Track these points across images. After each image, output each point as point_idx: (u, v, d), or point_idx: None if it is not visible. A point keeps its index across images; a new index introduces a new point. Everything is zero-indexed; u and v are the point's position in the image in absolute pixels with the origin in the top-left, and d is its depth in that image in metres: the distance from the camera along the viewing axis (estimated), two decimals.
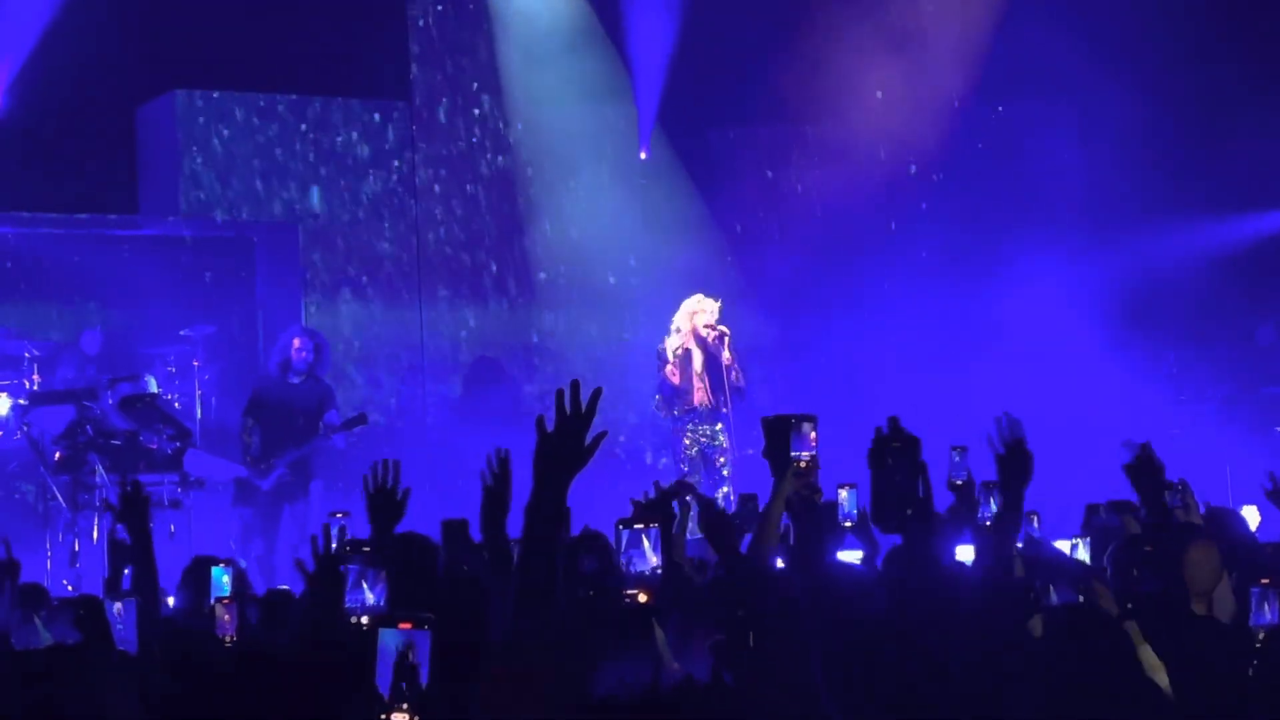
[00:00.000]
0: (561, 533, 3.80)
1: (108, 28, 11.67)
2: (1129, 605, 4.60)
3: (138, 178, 12.56)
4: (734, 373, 11.49)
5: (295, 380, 10.54)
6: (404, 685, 3.46)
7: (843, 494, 6.03)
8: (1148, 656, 4.54)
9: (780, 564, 6.43)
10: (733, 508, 10.61)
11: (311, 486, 10.71)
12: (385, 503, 5.05)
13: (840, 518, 6.03)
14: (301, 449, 10.48)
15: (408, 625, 3.49)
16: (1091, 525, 6.30)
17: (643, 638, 4.33)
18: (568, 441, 3.77)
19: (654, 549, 3.79)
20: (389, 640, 3.50)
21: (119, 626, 4.74)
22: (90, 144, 11.98)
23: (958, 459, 6.46)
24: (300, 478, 10.51)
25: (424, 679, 3.45)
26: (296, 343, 10.56)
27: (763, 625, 4.33)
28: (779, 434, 5.13)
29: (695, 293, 11.85)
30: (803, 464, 5.10)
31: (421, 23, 13.00)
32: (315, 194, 12.66)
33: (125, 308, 12.04)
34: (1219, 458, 12.36)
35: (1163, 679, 4.46)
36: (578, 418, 3.79)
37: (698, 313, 11.55)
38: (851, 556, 6.20)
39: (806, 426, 5.14)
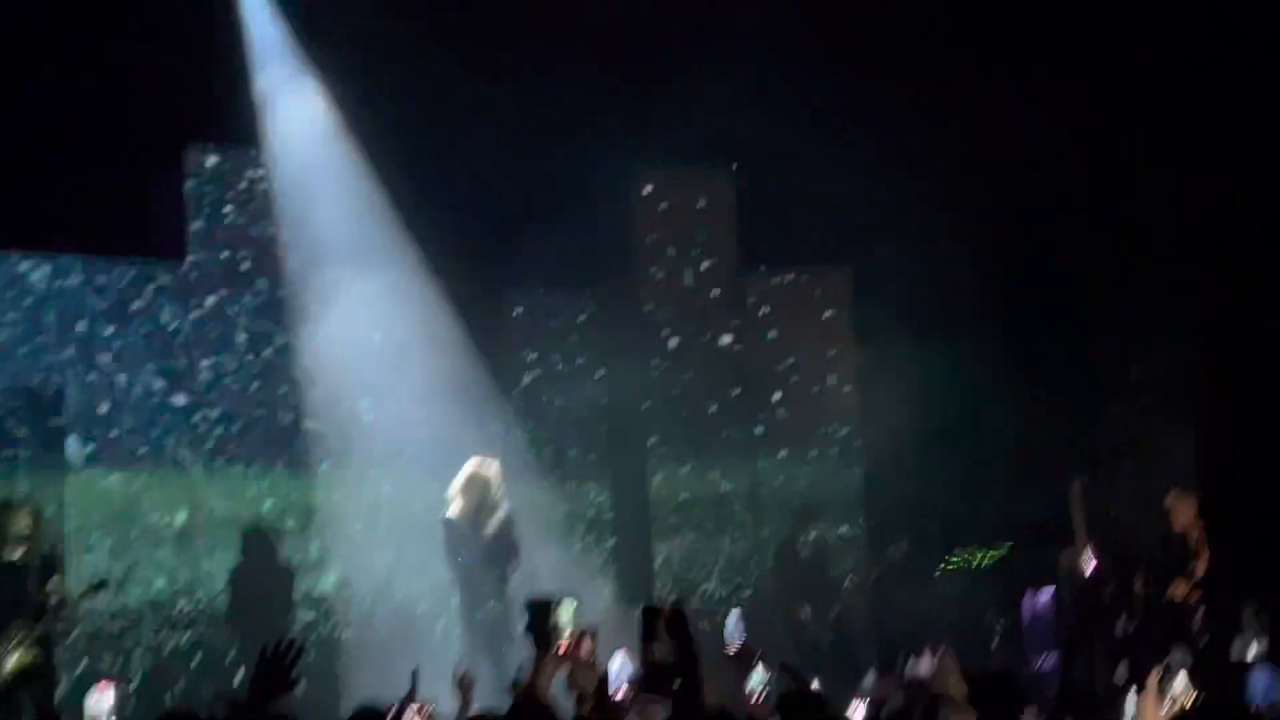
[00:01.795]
0: None
1: None
2: None
3: None
4: (507, 543, 11.51)
5: (13, 556, 10.15)
6: None
7: (614, 664, 6.05)
8: None
9: None
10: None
11: (53, 666, 10.31)
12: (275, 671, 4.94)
13: (612, 684, 6.04)
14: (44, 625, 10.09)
15: None
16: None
17: None
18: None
19: None
20: None
21: None
22: None
23: (733, 624, 6.52)
24: (34, 655, 10.05)
25: None
26: (10, 517, 10.15)
27: None
28: (540, 615, 5.22)
29: (485, 460, 11.84)
30: (562, 646, 5.18)
31: (195, 182, 12.83)
32: (82, 357, 12.26)
33: None
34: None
35: None
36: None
37: (473, 481, 11.55)
38: None
39: (567, 607, 5.23)
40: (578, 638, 5.71)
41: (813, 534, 12.69)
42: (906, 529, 13.49)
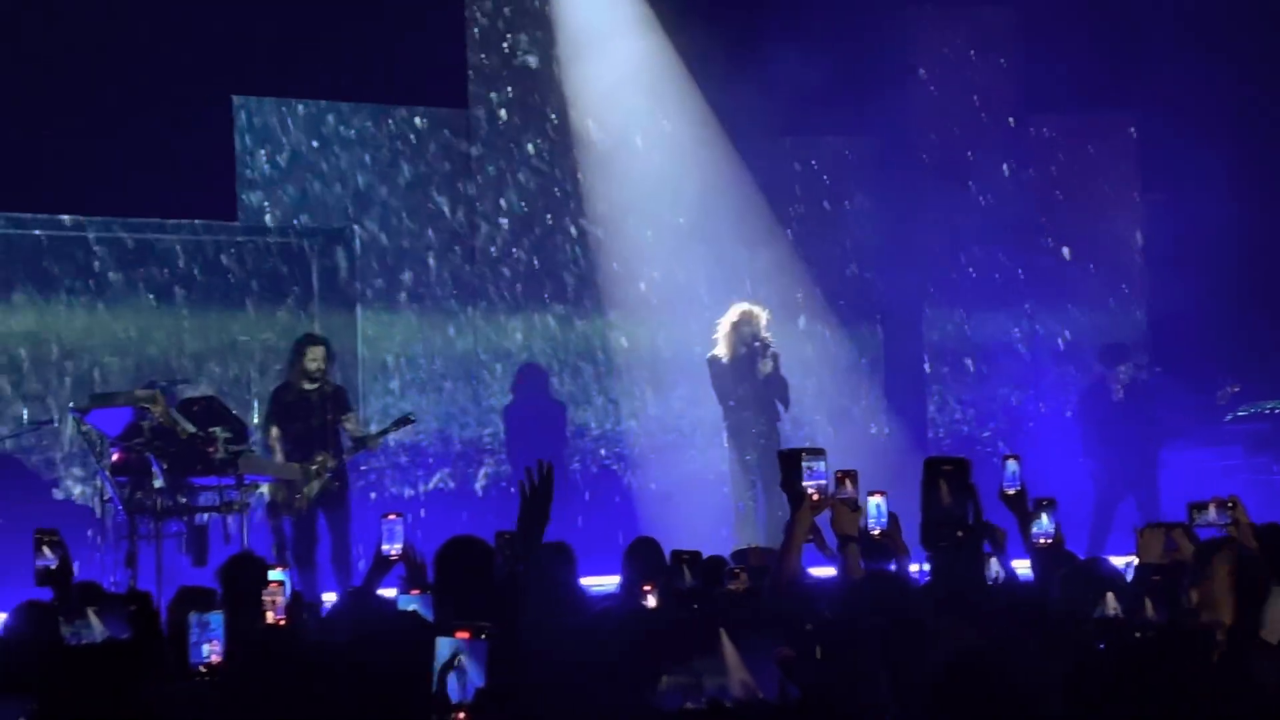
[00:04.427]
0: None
1: (166, 31, 11.76)
2: (1138, 634, 4.54)
3: (196, 184, 12.64)
4: (775, 385, 11.52)
5: (310, 386, 10.64)
6: (460, 692, 3.51)
7: (872, 501, 6.09)
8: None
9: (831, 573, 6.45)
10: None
11: (349, 493, 10.82)
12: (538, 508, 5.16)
13: (869, 526, 6.08)
14: (344, 455, 10.58)
15: (465, 634, 3.54)
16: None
17: (708, 651, 4.34)
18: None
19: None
20: (445, 648, 3.55)
21: (199, 634, 4.65)
22: (148, 149, 12.03)
23: (1011, 469, 6.46)
24: (337, 484, 10.59)
25: (476, 685, 3.50)
26: (307, 350, 10.68)
27: (830, 638, 4.39)
28: (791, 467, 5.41)
29: (753, 302, 11.87)
30: (815, 496, 5.37)
31: (479, 30, 13.03)
32: (372, 201, 12.73)
33: (181, 313, 12.13)
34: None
35: None
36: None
37: (742, 323, 11.58)
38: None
39: (816, 459, 5.42)
40: (839, 482, 5.81)
41: (1126, 372, 11.92)
42: (1192, 375, 13.06)
